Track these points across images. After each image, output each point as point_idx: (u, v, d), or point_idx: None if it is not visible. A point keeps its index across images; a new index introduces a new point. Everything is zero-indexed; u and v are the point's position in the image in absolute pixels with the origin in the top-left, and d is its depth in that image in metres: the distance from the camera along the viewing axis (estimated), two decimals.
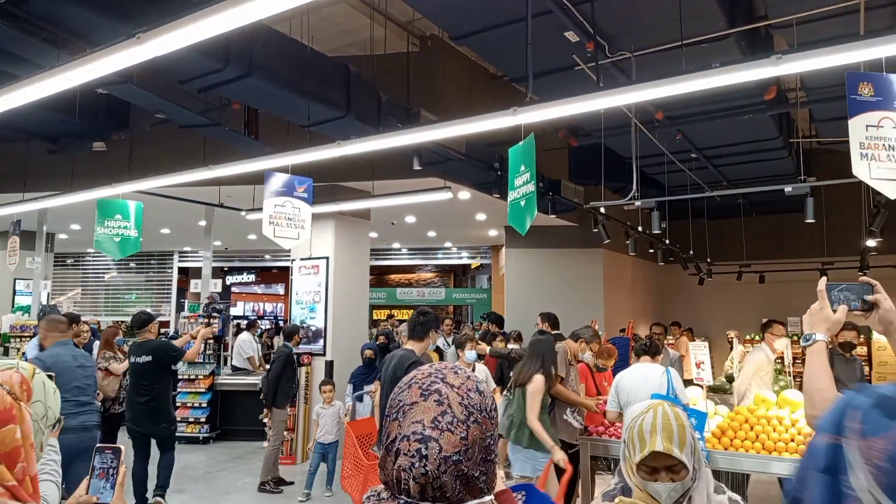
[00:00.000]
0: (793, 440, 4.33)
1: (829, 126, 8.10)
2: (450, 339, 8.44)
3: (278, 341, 10.04)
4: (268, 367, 7.13)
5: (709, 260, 11.62)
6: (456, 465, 0.91)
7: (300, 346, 8.26)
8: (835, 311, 1.70)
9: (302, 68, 5.39)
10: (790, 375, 8.21)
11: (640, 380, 4.54)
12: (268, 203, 5.52)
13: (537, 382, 4.61)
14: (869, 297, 1.69)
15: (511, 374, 5.29)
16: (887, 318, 1.67)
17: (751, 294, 12.64)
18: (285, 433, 7.91)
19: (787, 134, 8.61)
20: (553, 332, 5.92)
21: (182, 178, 6.36)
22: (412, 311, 17.09)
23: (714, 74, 3.35)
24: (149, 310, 17.39)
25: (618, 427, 4.65)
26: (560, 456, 4.47)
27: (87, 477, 1.58)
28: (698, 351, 5.02)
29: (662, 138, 7.65)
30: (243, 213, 8.71)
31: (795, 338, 11.95)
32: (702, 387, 4.99)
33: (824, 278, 1.76)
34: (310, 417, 7.98)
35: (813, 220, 6.05)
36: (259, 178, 6.09)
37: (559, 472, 4.53)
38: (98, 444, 1.61)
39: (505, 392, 5.30)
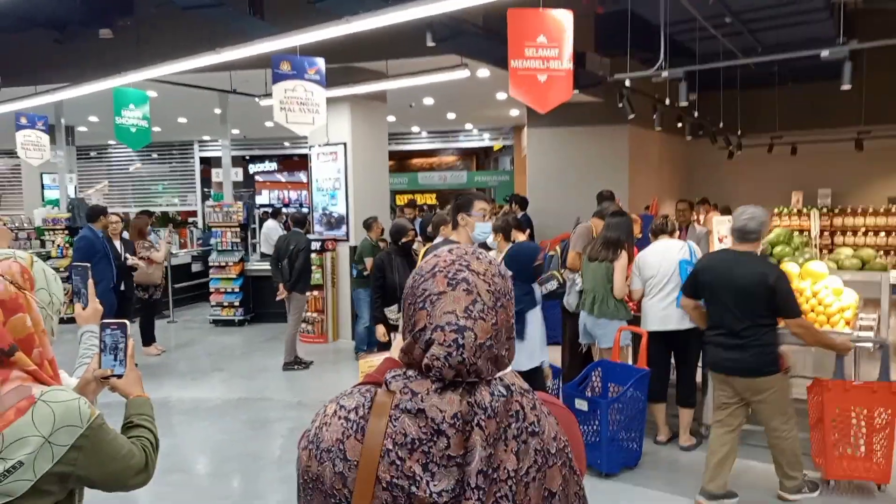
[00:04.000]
0: (812, 310, 4.35)
1: None
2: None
3: None
4: (277, 252, 7.16)
5: (739, 132, 11.20)
6: (489, 349, 0.96)
7: (324, 233, 8.38)
8: None
9: None
10: (817, 248, 8.13)
11: (661, 253, 4.60)
12: (277, 88, 5.37)
13: (623, 258, 4.69)
14: None
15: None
16: None
17: (783, 167, 12.28)
18: (315, 314, 8.23)
19: None
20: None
21: (190, 63, 6.19)
22: (435, 195, 17.14)
23: None
24: (175, 200, 17.61)
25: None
26: None
27: (98, 353, 1.61)
28: (721, 226, 4.95)
29: (695, 2, 7.12)
30: (257, 100, 8.53)
31: (826, 210, 11.72)
32: None
33: None
34: (338, 299, 8.25)
35: (850, 87, 5.70)
36: (270, 62, 5.90)
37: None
38: (103, 321, 1.63)
39: (563, 271, 5.37)
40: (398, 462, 0.91)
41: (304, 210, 14.16)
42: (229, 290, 9.36)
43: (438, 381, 0.94)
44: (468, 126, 15.94)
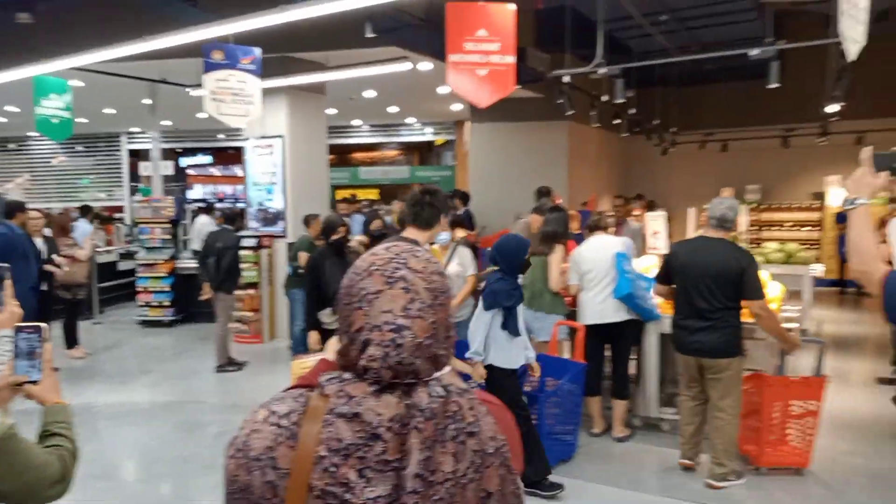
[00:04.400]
0: None
1: None
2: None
3: None
4: (204, 249, 6.89)
5: (673, 129, 11.52)
6: (428, 348, 0.95)
7: (260, 229, 8.14)
8: (877, 176, 1.81)
9: None
10: (746, 242, 8.45)
11: (596, 249, 4.67)
12: (208, 78, 5.15)
13: (559, 252, 4.74)
14: None
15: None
16: None
17: (713, 163, 12.71)
18: (251, 314, 7.99)
19: None
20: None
21: (116, 51, 5.87)
22: (377, 189, 16.96)
23: None
24: (102, 195, 16.81)
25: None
26: None
27: (10, 358, 1.51)
28: (654, 221, 5.05)
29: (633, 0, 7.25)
30: (188, 90, 8.21)
31: (754, 205, 12.22)
32: (656, 255, 5.07)
33: (870, 147, 1.85)
34: (275, 298, 8.02)
35: (777, 86, 5.92)
36: (202, 51, 5.65)
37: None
38: (17, 324, 1.53)
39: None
40: (332, 469, 0.87)
41: (241, 206, 13.79)
42: (158, 289, 8.99)
43: (375, 384, 0.92)
44: (411, 120, 15.83)
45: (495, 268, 3.77)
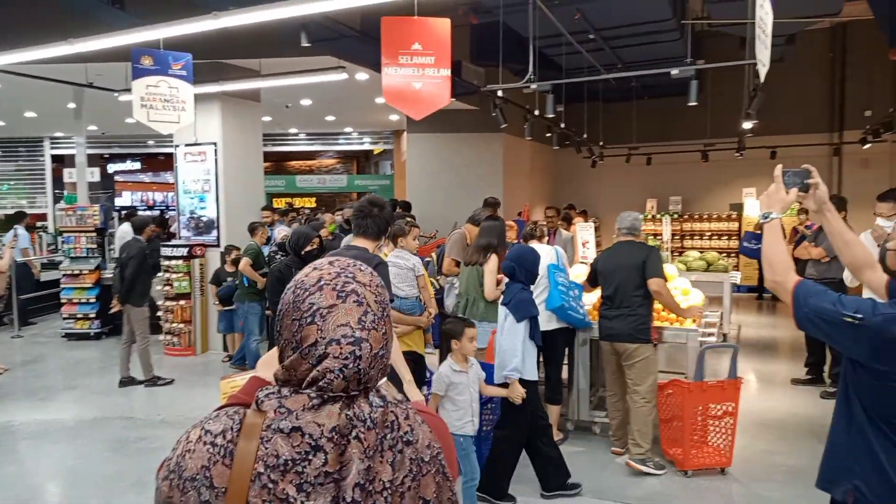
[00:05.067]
0: (663, 310, 4.73)
1: (720, 7, 8.23)
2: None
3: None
4: (118, 260, 6.63)
5: (601, 143, 11.95)
6: (381, 359, 0.98)
7: (192, 238, 7.94)
8: (787, 192, 1.96)
9: None
10: (668, 251, 8.85)
11: None
12: (137, 84, 5.03)
13: (493, 261, 4.85)
14: (809, 181, 1.97)
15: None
16: (822, 197, 1.99)
17: (639, 175, 13.25)
18: (182, 325, 7.77)
19: (681, 16, 8.69)
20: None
21: (39, 53, 5.65)
22: (313, 198, 16.78)
23: None
24: (23, 202, 15.96)
25: None
26: None
27: None
28: (584, 231, 5.25)
29: (562, 18, 7.52)
30: (116, 95, 7.95)
31: (676, 216, 12.81)
32: (586, 264, 5.27)
33: (780, 165, 1.99)
34: (207, 309, 7.83)
35: (696, 103, 6.27)
36: (130, 55, 5.51)
37: None
38: None
39: (440, 277, 5.41)
40: (270, 485, 0.89)
41: (155, 212, 13.32)
42: (83, 300, 8.62)
43: (318, 396, 0.93)
44: (348, 129, 15.79)
45: (506, 279, 3.95)
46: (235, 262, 7.01)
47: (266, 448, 0.90)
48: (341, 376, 0.93)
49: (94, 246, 8.80)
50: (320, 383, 0.93)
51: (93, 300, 8.61)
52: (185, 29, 4.92)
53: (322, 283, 0.98)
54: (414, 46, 4.11)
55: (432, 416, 1.09)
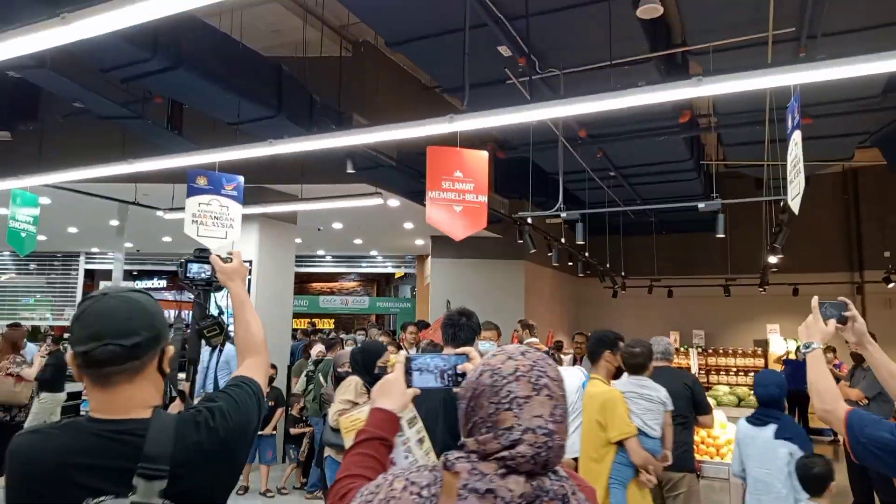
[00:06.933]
0: (703, 442, 4.62)
1: (736, 150, 8.71)
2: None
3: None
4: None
5: (623, 274, 12.14)
6: (563, 447, 1.10)
7: None
8: (826, 324, 1.99)
9: (232, 64, 5.28)
10: None
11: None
12: (191, 201, 5.31)
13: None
14: (846, 313, 1.99)
15: None
16: (860, 329, 1.99)
17: (660, 307, 13.29)
18: None
19: (698, 157, 9.19)
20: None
21: (98, 171, 6.02)
22: (334, 319, 16.86)
23: (639, 93, 3.54)
24: (48, 315, 16.21)
25: None
26: None
27: None
28: None
29: (584, 156, 7.99)
30: (161, 213, 8.37)
31: (700, 349, 12.67)
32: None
33: (817, 297, 2.03)
34: None
35: (724, 236, 6.47)
36: (179, 177, 5.87)
37: None
38: None
39: None
40: None
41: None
42: None
43: (505, 467, 1.05)
44: (373, 252, 16.22)
45: None
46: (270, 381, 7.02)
47: None
48: (532, 461, 1.06)
49: None
50: (509, 462, 1.05)
51: None
52: (240, 154, 5.28)
53: (518, 373, 1.11)
54: (456, 174, 4.38)
55: (586, 487, 1.19)
